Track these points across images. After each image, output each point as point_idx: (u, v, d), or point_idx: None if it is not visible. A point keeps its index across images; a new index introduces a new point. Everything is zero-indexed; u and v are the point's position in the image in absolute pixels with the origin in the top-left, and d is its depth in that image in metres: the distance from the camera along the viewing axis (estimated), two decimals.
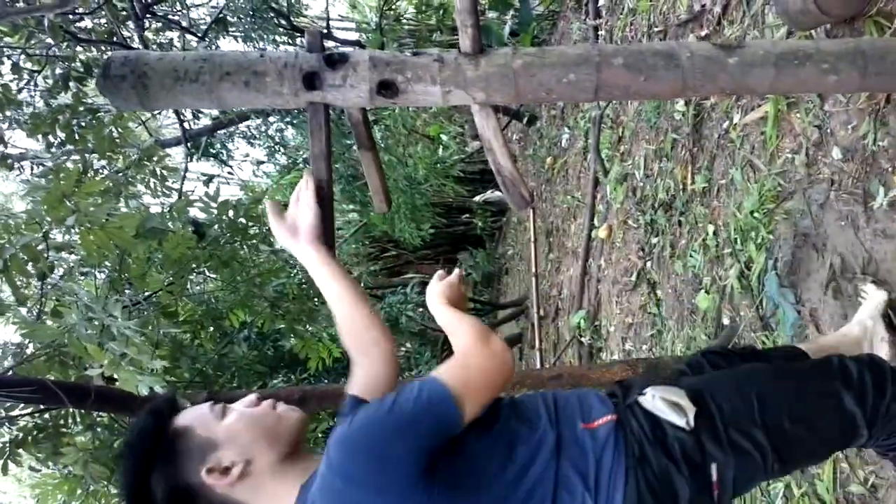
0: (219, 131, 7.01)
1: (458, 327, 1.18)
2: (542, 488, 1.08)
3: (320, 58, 1.53)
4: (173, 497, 1.09)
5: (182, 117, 6.13)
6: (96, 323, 1.78)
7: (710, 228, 2.98)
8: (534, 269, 7.29)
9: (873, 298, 1.83)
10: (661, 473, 1.12)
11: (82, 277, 2.95)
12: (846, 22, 1.95)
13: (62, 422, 2.24)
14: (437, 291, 1.32)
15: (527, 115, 8.04)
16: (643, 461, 1.13)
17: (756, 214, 2.53)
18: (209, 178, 6.29)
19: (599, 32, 5.04)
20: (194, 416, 1.15)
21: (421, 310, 7.64)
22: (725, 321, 2.82)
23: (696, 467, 1.14)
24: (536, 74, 1.53)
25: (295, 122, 7.09)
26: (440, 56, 1.56)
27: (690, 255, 3.17)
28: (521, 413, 1.19)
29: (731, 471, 1.15)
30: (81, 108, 3.58)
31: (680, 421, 1.16)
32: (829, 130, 2.11)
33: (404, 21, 8.89)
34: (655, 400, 1.20)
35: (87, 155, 2.98)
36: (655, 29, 3.85)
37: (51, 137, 3.78)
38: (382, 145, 7.42)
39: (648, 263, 3.89)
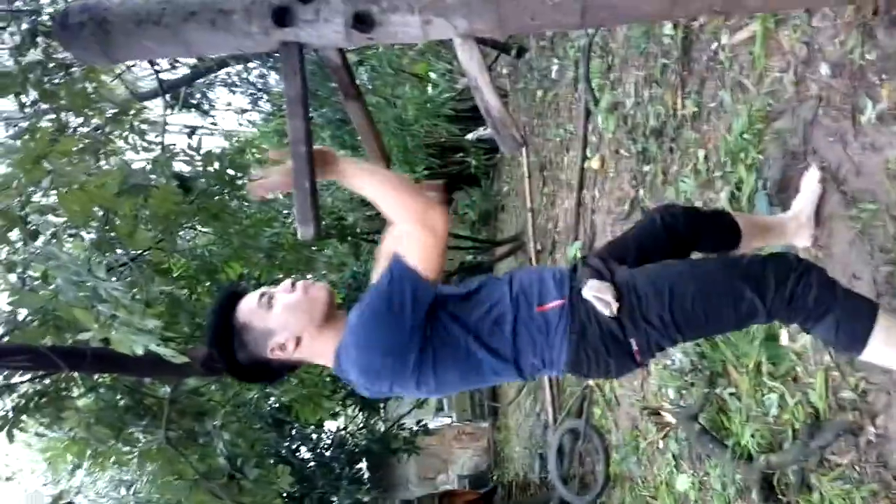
0: (197, 80, 6.85)
1: (393, 199, 1.46)
2: (504, 345, 1.54)
3: None
4: (255, 366, 1.55)
5: (158, 67, 5.98)
6: (87, 285, 1.77)
7: (701, 153, 2.94)
8: (529, 204, 7.26)
9: (812, 189, 2.03)
10: (594, 346, 1.54)
11: (70, 239, 2.92)
12: None
13: (63, 386, 2.25)
14: (346, 167, 1.56)
15: (515, 46, 7.85)
16: (583, 336, 1.53)
17: (746, 136, 2.49)
18: (192, 130, 6.19)
19: None
20: (249, 312, 1.53)
21: None
22: None
23: (619, 341, 1.53)
24: None
25: (277, 66, 6.93)
26: None
27: (682, 181, 3.14)
28: (488, 293, 1.59)
29: (644, 342, 1.54)
30: (52, 65, 3.47)
31: (606, 311, 1.52)
32: (816, 47, 2.06)
33: None
34: (590, 296, 1.53)
35: (61, 113, 2.90)
36: None
37: (23, 97, 3.67)
38: (370, 87, 7.27)
39: (641, 191, 3.86)
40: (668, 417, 3.26)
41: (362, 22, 1.48)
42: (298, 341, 1.52)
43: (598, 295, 1.52)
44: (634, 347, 1.54)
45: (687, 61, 3.15)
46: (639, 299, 1.53)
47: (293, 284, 1.56)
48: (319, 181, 1.52)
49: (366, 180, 1.52)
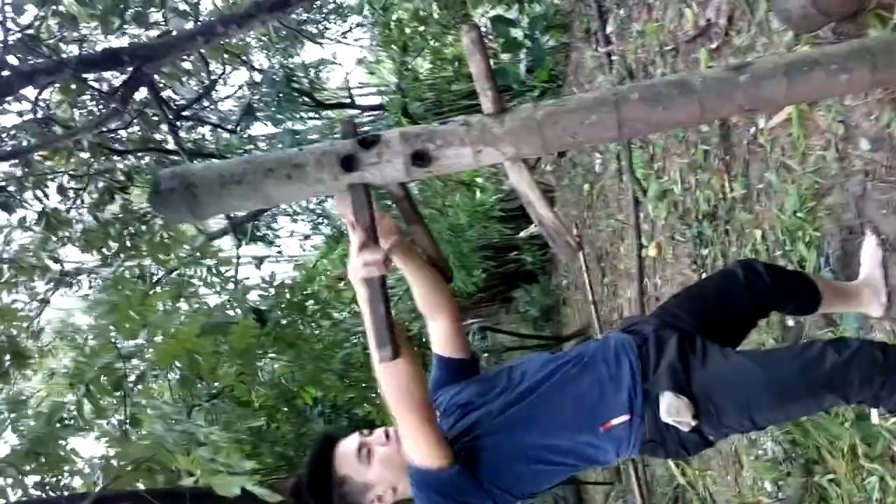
0: (261, 215, 7.29)
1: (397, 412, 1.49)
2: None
3: (355, 142, 1.61)
4: None
5: None
6: (179, 430, 1.88)
7: (758, 233, 2.95)
8: (590, 297, 7.23)
9: (874, 254, 2.05)
10: (671, 449, 1.57)
11: (153, 380, 3.09)
12: (848, 19, 1.97)
13: None
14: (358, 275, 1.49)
15: None
16: (662, 441, 1.54)
17: (799, 214, 2.51)
18: (260, 261, 6.50)
19: (612, 58, 5.10)
20: (349, 466, 1.58)
21: (486, 354, 7.64)
22: (790, 322, 2.77)
23: (698, 442, 1.56)
24: (559, 122, 1.57)
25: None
26: (466, 120, 1.64)
27: None
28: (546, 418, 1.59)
29: (723, 437, 1.61)
30: (129, 217, 3.79)
31: (684, 429, 1.52)
32: (853, 124, 2.11)
33: (422, 78, 9.13)
34: (668, 419, 1.51)
35: (141, 262, 3.15)
36: (666, 48, 3.88)
37: (104, 250, 3.98)
38: (421, 199, 7.56)
39: (703, 275, 3.85)
40: None
41: (420, 159, 1.62)
42: (395, 491, 1.59)
43: (678, 419, 1.51)
44: (711, 439, 1.58)
45: (728, 146, 3.22)
46: (715, 407, 1.53)
47: (387, 436, 1.61)
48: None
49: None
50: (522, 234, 10.39)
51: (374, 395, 4.08)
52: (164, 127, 5.30)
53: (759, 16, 2.64)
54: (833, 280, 2.28)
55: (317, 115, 7.43)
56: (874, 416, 2.16)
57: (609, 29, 5.13)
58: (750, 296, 1.74)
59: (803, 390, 1.49)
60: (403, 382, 1.43)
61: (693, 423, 1.50)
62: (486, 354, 7.33)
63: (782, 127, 2.62)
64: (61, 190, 4.93)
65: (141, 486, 2.53)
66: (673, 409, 1.51)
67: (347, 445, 1.61)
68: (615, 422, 1.54)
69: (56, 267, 4.68)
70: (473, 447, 1.54)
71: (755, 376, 1.54)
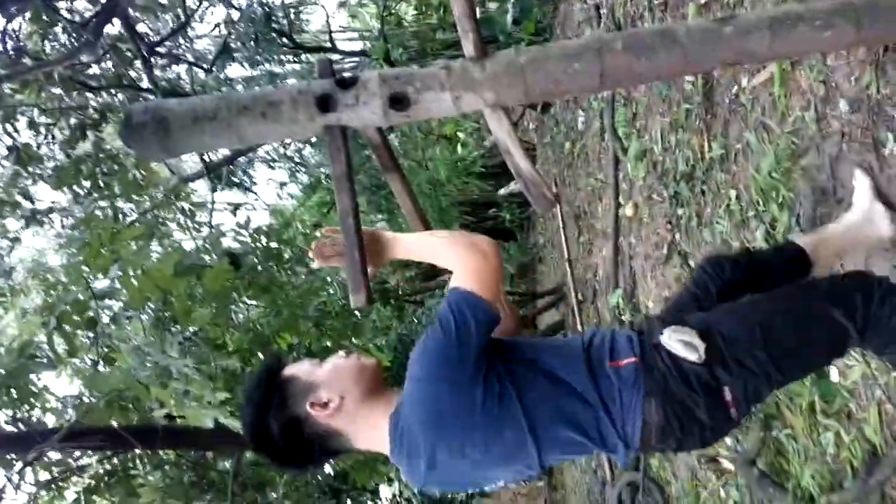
0: (238, 159, 7.16)
1: (442, 251, 1.47)
2: (571, 405, 1.39)
3: (332, 82, 1.58)
4: (286, 429, 1.40)
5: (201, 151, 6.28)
6: (150, 364, 1.88)
7: (733, 193, 2.98)
8: (566, 255, 7.29)
9: (863, 183, 1.95)
10: (681, 401, 1.37)
11: (128, 321, 3.08)
12: None
13: (130, 465, 2.35)
14: (394, 245, 1.58)
15: (540, 102, 8.03)
16: (667, 393, 1.38)
17: (774, 174, 2.53)
18: (236, 207, 6.44)
19: (601, 11, 5.03)
20: (298, 367, 1.48)
21: None
22: None
23: (710, 391, 1.38)
24: (542, 68, 1.55)
25: (312, 140, 7.21)
26: (447, 64, 1.61)
27: (717, 222, 3.17)
28: (559, 351, 1.47)
29: (741, 389, 1.39)
30: (102, 155, 3.72)
31: (692, 356, 1.38)
32: (834, 84, 2.12)
33: (406, 24, 8.95)
34: (671, 341, 1.40)
35: (113, 201, 3.10)
36: (655, 1, 3.84)
37: (76, 188, 3.91)
38: (401, 151, 7.50)
39: (677, 235, 3.89)
40: (727, 464, 3.20)
41: (399, 102, 1.59)
42: (341, 402, 1.42)
43: (682, 338, 1.39)
44: (729, 397, 1.39)
45: (710, 105, 3.22)
46: (725, 340, 1.41)
47: (348, 353, 1.54)
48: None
49: (415, 249, 1.57)
50: (502, 191, 10.39)
51: (350, 343, 4.11)
52: (139, 63, 5.14)
53: None
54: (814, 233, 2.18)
55: (296, 58, 7.27)
56: (834, 373, 2.23)
57: None
58: (723, 288, 1.68)
59: (807, 303, 1.47)
60: (495, 248, 1.42)
61: (702, 346, 1.37)
62: None
63: (764, 86, 2.62)
64: (32, 125, 4.80)
65: (114, 423, 2.55)
66: (675, 331, 1.41)
67: (301, 362, 1.54)
68: (624, 361, 1.42)
69: (28, 205, 4.59)
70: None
71: (761, 303, 1.53)
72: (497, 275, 1.41)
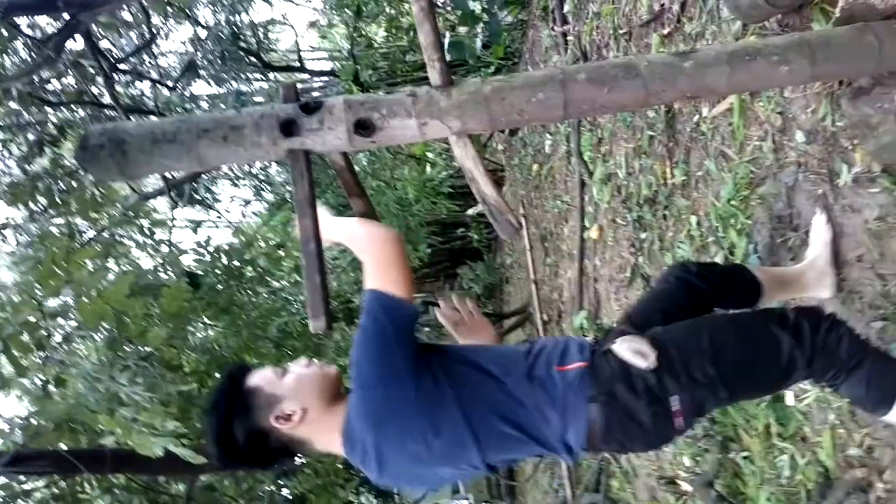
0: (201, 176, 7.06)
1: (357, 245, 1.56)
2: (509, 404, 1.44)
3: (296, 106, 1.56)
4: (251, 439, 1.45)
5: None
6: (102, 390, 1.82)
7: (694, 219, 3.03)
8: (532, 276, 7.33)
9: (822, 238, 2.00)
10: (624, 406, 1.42)
11: (80, 341, 2.98)
12: (795, 11, 2.01)
13: (79, 489, 2.27)
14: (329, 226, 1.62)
15: None
16: (612, 397, 1.42)
17: (733, 202, 2.58)
18: (197, 224, 6.32)
19: (568, 38, 5.11)
20: (261, 378, 1.50)
21: (427, 328, 7.67)
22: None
23: (657, 400, 1.43)
24: (507, 97, 1.56)
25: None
26: (413, 91, 1.61)
27: (678, 247, 3.22)
28: (500, 356, 1.54)
29: (689, 401, 1.44)
30: (59, 171, 3.63)
31: (642, 364, 1.43)
32: (790, 116, 2.17)
33: (376, 46, 8.97)
34: (621, 349, 1.46)
35: (70, 219, 3.02)
36: (620, 31, 3.91)
37: (31, 205, 3.81)
38: (369, 171, 7.48)
39: (640, 258, 3.94)
40: (685, 486, 3.22)
41: (364, 128, 1.58)
42: (305, 414, 1.46)
43: (634, 345, 1.44)
44: (675, 406, 1.43)
45: (672, 133, 3.28)
46: (679, 351, 1.46)
47: (310, 362, 1.58)
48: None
49: (339, 234, 1.63)
50: (470, 211, 10.42)
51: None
52: (101, 80, 5.05)
53: (710, 4, 2.67)
54: (765, 267, 2.33)
55: (264, 78, 7.22)
56: (789, 397, 2.26)
57: (566, 8, 5.13)
58: (688, 296, 1.74)
59: (760, 326, 1.51)
60: (393, 238, 1.50)
61: (653, 354, 1.42)
62: (427, 329, 7.35)
63: (724, 116, 2.67)
64: None
65: (63, 446, 2.46)
66: (627, 340, 1.46)
67: (264, 369, 1.56)
68: (572, 366, 1.47)
69: None
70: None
71: (711, 317, 1.62)
72: (402, 265, 1.48)
